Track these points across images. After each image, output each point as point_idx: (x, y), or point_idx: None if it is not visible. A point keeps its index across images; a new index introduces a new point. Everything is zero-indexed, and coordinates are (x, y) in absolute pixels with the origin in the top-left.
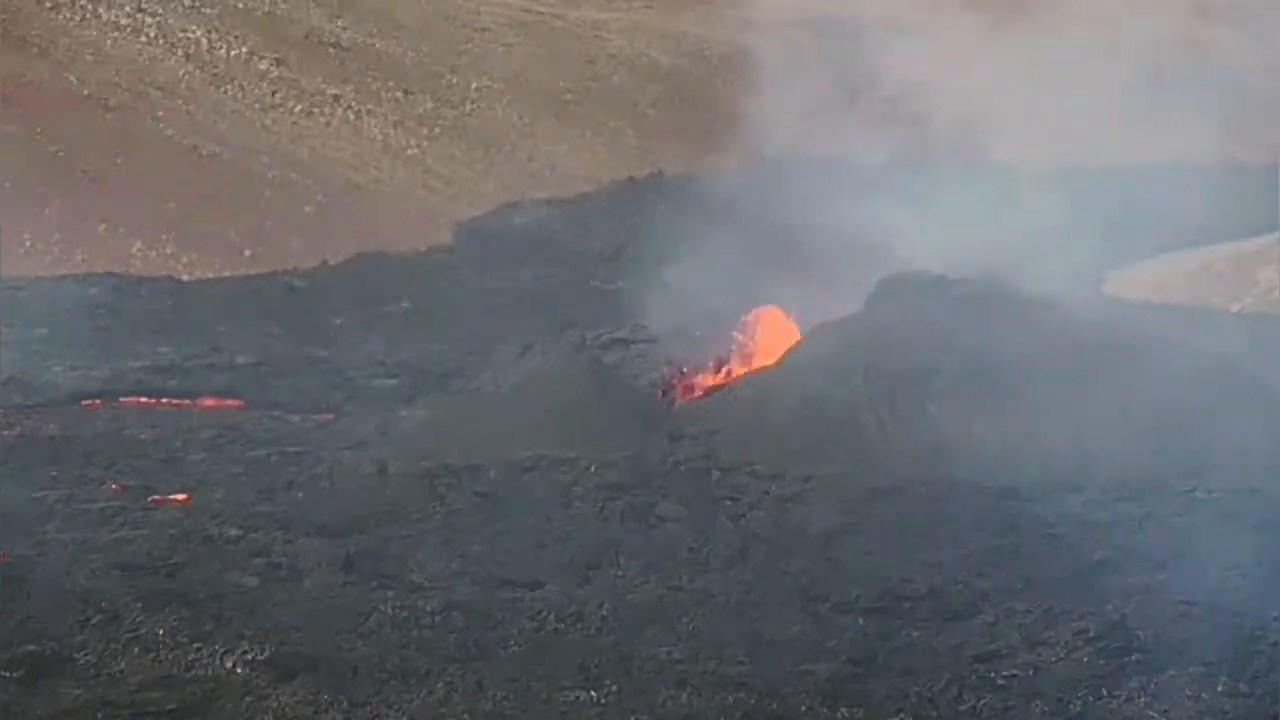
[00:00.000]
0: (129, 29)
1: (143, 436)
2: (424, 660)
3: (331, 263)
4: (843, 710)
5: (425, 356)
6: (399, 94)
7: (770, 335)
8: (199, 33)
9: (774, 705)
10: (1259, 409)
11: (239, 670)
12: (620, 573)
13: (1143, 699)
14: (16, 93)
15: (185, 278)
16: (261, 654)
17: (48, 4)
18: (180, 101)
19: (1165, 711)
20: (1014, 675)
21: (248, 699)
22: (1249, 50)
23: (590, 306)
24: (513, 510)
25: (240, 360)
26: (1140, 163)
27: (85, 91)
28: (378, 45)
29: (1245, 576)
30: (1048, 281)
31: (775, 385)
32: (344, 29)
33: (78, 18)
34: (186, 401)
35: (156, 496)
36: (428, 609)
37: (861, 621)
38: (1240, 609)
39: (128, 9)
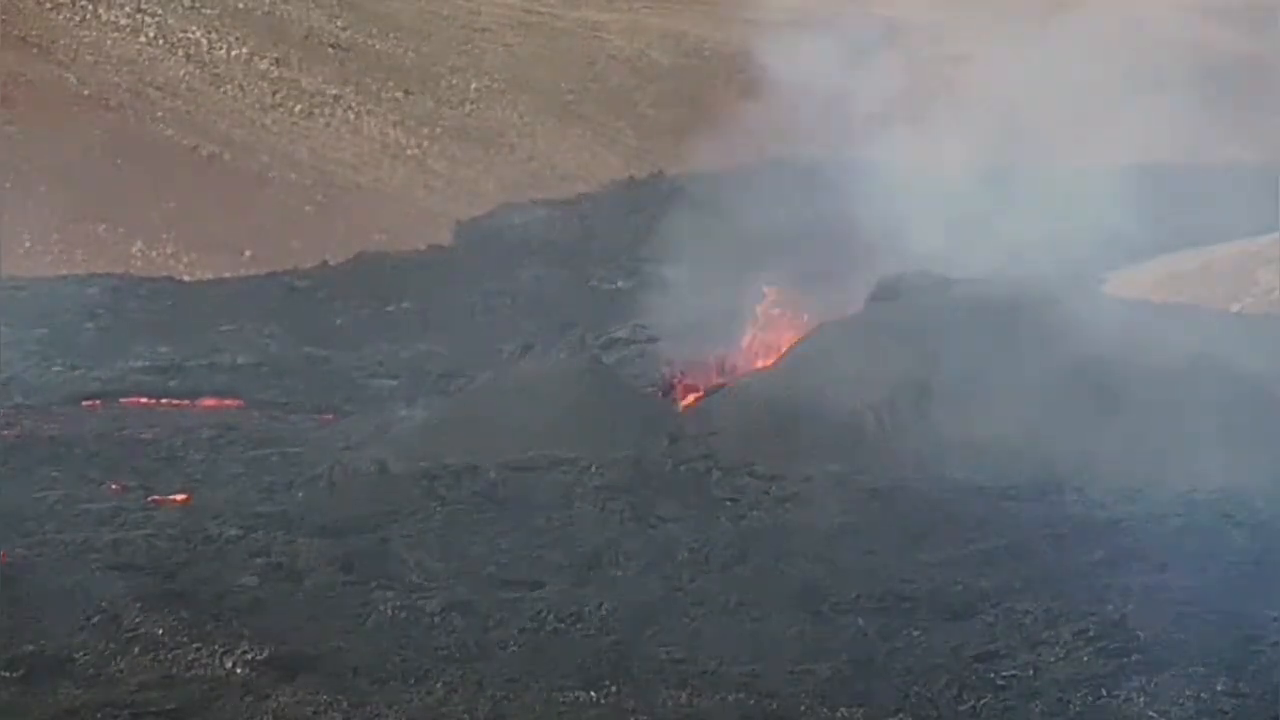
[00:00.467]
0: (129, 29)
1: (143, 436)
2: (424, 660)
3: (331, 263)
4: (843, 710)
5: (425, 356)
6: (399, 94)
7: (771, 335)
8: (199, 33)
9: (774, 705)
10: (1259, 409)
11: (239, 670)
12: (620, 573)
13: (1143, 699)
14: (16, 93)
15: (185, 278)
16: (261, 654)
17: (48, 4)
18: (180, 101)
19: (1165, 711)
20: (1014, 675)
21: (248, 699)
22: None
23: (590, 306)
24: (513, 510)
25: (240, 360)
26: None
27: (85, 91)
28: (378, 45)
29: (1245, 576)
30: (1048, 281)
31: (775, 385)
32: (344, 29)
33: (78, 18)
34: (186, 401)
35: (156, 496)
36: (427, 609)
37: (861, 621)
38: (1240, 609)
39: (128, 9)
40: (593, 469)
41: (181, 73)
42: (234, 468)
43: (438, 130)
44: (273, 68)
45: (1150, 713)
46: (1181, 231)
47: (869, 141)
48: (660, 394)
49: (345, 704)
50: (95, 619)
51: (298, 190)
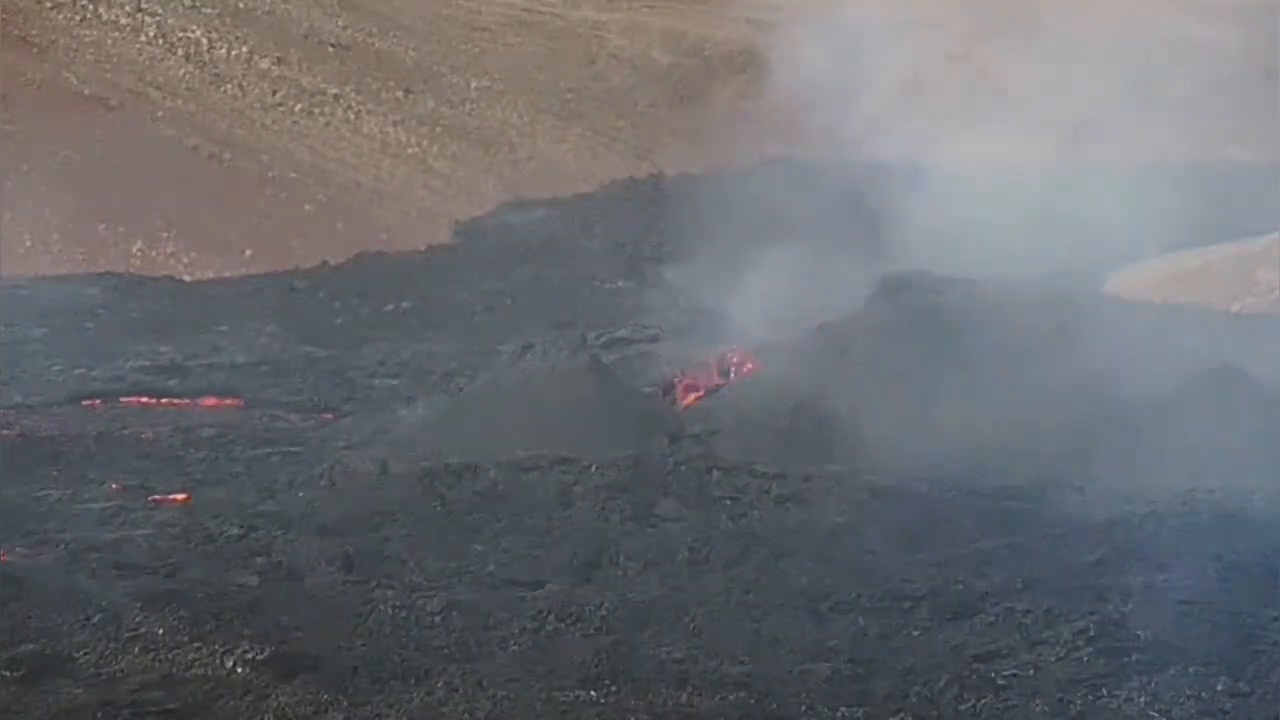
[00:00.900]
0: (129, 29)
1: (143, 436)
2: (424, 660)
3: (331, 263)
4: (843, 710)
5: (425, 356)
6: (399, 94)
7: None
8: (199, 32)
9: (774, 705)
10: (1258, 409)
11: (239, 670)
12: (620, 573)
13: (1143, 699)
14: (16, 93)
15: (185, 278)
16: (261, 654)
17: (48, 4)
18: (180, 101)
19: (1165, 711)
20: (1014, 675)
21: (248, 699)
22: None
23: (590, 306)
24: (513, 510)
25: (240, 360)
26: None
27: (85, 91)
28: (378, 45)
29: (1245, 576)
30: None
31: (775, 385)
32: (344, 29)
33: (78, 18)
34: (186, 401)
35: (156, 496)
36: (428, 608)
37: (861, 621)
38: (1240, 609)
39: (128, 9)
40: (593, 469)
41: (181, 73)
42: (234, 467)
43: (438, 130)
44: (273, 67)
45: (1150, 713)
46: (1182, 232)
47: (869, 141)
48: (660, 394)
49: (345, 704)
50: (95, 619)
51: (298, 190)
